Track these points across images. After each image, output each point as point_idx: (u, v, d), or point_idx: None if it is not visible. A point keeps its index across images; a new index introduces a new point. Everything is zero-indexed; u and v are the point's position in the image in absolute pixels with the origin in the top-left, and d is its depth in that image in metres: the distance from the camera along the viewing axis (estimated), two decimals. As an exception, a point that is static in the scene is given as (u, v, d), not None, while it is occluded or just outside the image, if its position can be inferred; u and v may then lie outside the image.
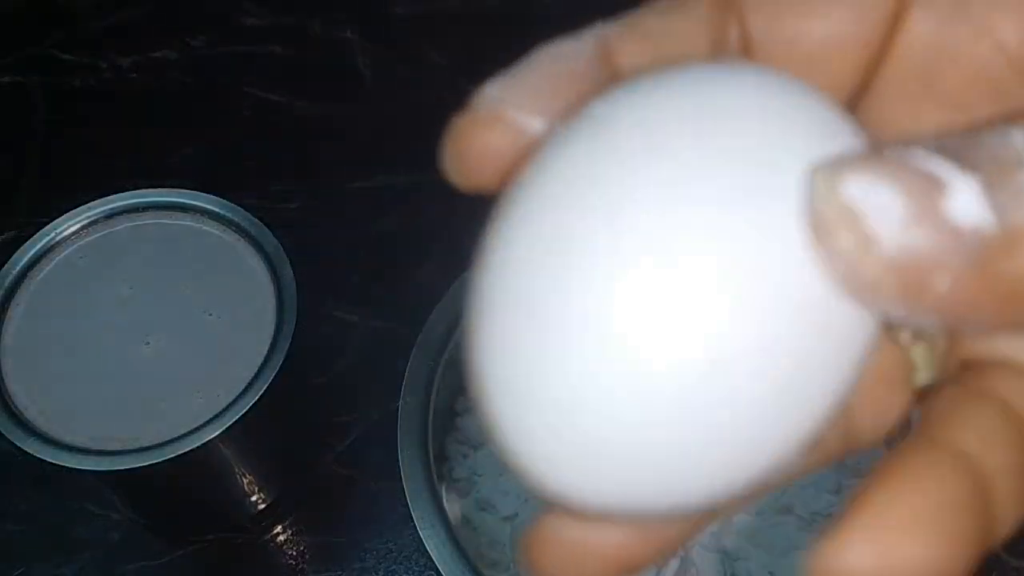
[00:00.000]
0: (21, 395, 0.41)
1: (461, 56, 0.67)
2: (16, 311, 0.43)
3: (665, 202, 0.13)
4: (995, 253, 0.12)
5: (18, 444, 0.40)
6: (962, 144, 0.12)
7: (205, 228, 0.46)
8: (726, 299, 0.13)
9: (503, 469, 0.45)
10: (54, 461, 0.39)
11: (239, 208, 0.46)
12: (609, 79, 0.16)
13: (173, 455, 0.39)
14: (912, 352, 0.16)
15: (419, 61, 0.67)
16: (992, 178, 0.12)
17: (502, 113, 0.16)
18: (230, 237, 0.45)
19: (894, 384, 0.16)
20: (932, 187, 0.12)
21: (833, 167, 0.13)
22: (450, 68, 0.66)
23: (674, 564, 0.42)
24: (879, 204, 0.12)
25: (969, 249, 0.12)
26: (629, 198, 0.13)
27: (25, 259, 0.44)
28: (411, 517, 0.41)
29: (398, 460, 0.43)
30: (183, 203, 0.46)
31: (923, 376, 0.16)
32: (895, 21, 0.16)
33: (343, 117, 0.64)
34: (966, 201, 0.12)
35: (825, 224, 0.13)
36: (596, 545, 0.15)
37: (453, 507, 0.45)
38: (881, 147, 0.13)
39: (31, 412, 0.41)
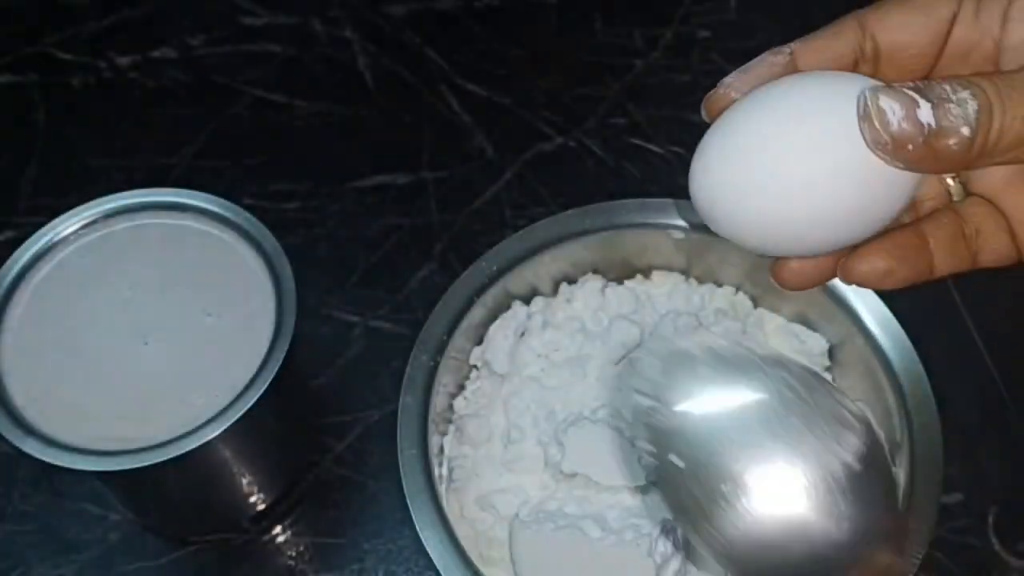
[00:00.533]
0: (21, 395, 0.41)
1: (460, 56, 0.67)
2: (16, 311, 0.43)
3: (801, 116, 0.29)
4: (932, 137, 0.27)
5: (17, 444, 0.40)
6: (927, 86, 0.27)
7: (205, 228, 0.46)
8: (828, 152, 0.28)
9: (503, 469, 0.45)
10: (54, 461, 0.39)
11: (239, 208, 0.46)
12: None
13: (173, 455, 0.39)
14: (951, 184, 0.32)
15: (419, 61, 0.67)
16: (935, 103, 0.27)
17: (730, 92, 0.31)
18: (230, 237, 0.45)
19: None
20: (913, 104, 0.27)
21: (874, 89, 0.27)
22: (450, 68, 0.66)
23: (675, 564, 0.42)
24: (890, 108, 0.27)
25: (924, 134, 0.27)
26: (788, 111, 0.29)
27: (25, 259, 0.44)
28: (411, 517, 0.41)
29: (398, 460, 0.43)
30: (183, 203, 0.46)
31: (957, 194, 0.32)
32: (947, 34, 0.31)
33: (343, 117, 0.64)
34: (926, 112, 0.27)
35: (868, 114, 0.27)
36: (804, 265, 0.32)
37: (453, 507, 0.45)
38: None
39: (31, 412, 0.41)
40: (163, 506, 0.48)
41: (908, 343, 0.45)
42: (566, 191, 0.60)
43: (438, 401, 0.46)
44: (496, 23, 0.68)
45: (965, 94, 0.27)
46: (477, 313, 0.48)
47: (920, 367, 0.45)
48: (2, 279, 0.44)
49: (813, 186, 0.28)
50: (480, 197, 0.60)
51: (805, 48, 0.31)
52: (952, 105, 0.27)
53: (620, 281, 0.51)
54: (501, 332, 0.49)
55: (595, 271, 0.51)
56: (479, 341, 0.49)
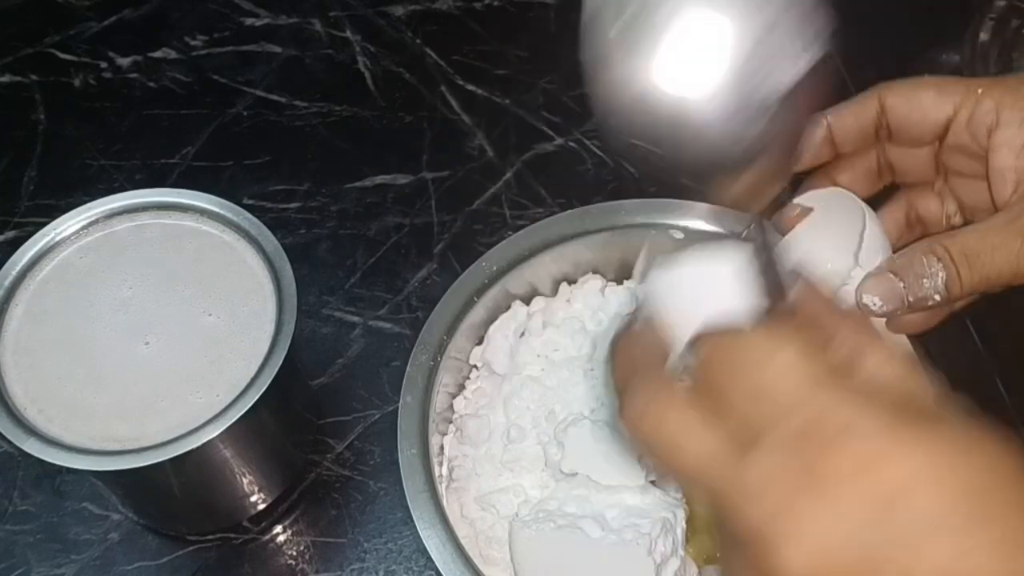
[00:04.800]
0: (21, 395, 0.41)
1: (460, 56, 0.67)
2: (16, 311, 0.43)
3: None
4: (911, 306, 0.37)
5: (18, 444, 0.40)
6: (907, 265, 0.36)
7: (205, 228, 0.46)
8: None
9: (502, 469, 0.45)
10: (54, 461, 0.39)
11: (239, 208, 0.46)
12: None
13: (173, 455, 0.39)
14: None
15: (419, 61, 0.67)
16: (911, 281, 0.36)
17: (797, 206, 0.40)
18: (230, 237, 0.45)
19: None
20: (893, 289, 0.36)
21: (860, 287, 0.37)
22: (450, 68, 0.66)
23: (675, 563, 0.42)
24: (872, 302, 0.37)
25: (904, 305, 0.37)
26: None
27: (25, 259, 0.44)
28: (411, 517, 0.41)
29: (398, 460, 0.43)
30: (183, 203, 0.46)
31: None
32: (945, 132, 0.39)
33: (342, 117, 0.64)
34: (904, 291, 0.36)
35: (859, 302, 0.38)
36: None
37: (453, 507, 0.45)
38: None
39: (31, 412, 0.41)
40: (163, 506, 0.48)
41: (908, 342, 0.45)
42: (566, 191, 0.60)
43: (438, 401, 0.46)
44: (496, 23, 0.68)
45: (937, 267, 0.35)
46: (477, 313, 0.48)
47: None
48: (3, 279, 0.44)
49: None
50: (480, 197, 0.60)
51: (839, 119, 0.40)
52: (925, 280, 0.35)
53: (620, 281, 0.51)
54: (501, 332, 0.49)
55: (595, 271, 0.51)
56: (479, 341, 0.49)
